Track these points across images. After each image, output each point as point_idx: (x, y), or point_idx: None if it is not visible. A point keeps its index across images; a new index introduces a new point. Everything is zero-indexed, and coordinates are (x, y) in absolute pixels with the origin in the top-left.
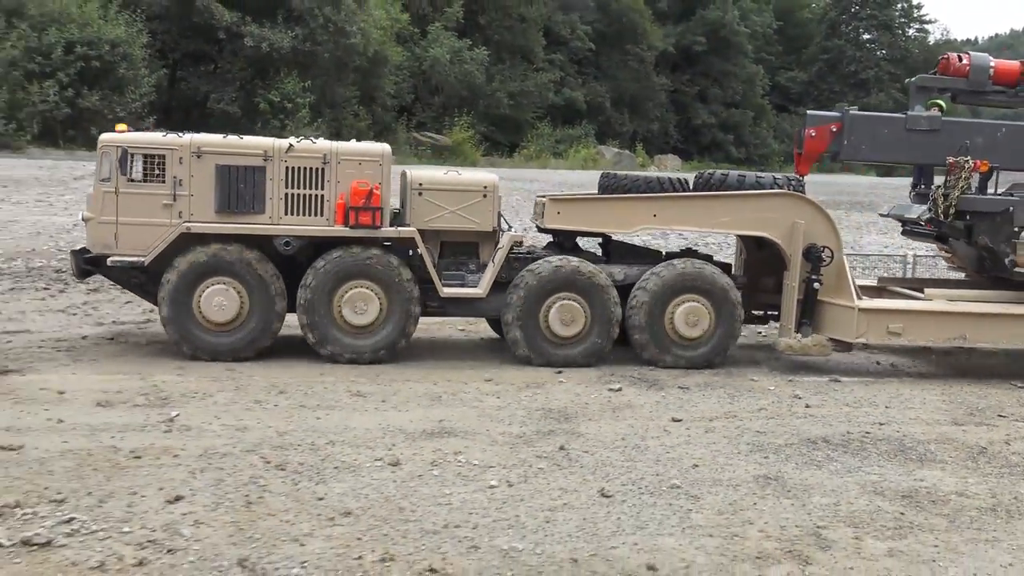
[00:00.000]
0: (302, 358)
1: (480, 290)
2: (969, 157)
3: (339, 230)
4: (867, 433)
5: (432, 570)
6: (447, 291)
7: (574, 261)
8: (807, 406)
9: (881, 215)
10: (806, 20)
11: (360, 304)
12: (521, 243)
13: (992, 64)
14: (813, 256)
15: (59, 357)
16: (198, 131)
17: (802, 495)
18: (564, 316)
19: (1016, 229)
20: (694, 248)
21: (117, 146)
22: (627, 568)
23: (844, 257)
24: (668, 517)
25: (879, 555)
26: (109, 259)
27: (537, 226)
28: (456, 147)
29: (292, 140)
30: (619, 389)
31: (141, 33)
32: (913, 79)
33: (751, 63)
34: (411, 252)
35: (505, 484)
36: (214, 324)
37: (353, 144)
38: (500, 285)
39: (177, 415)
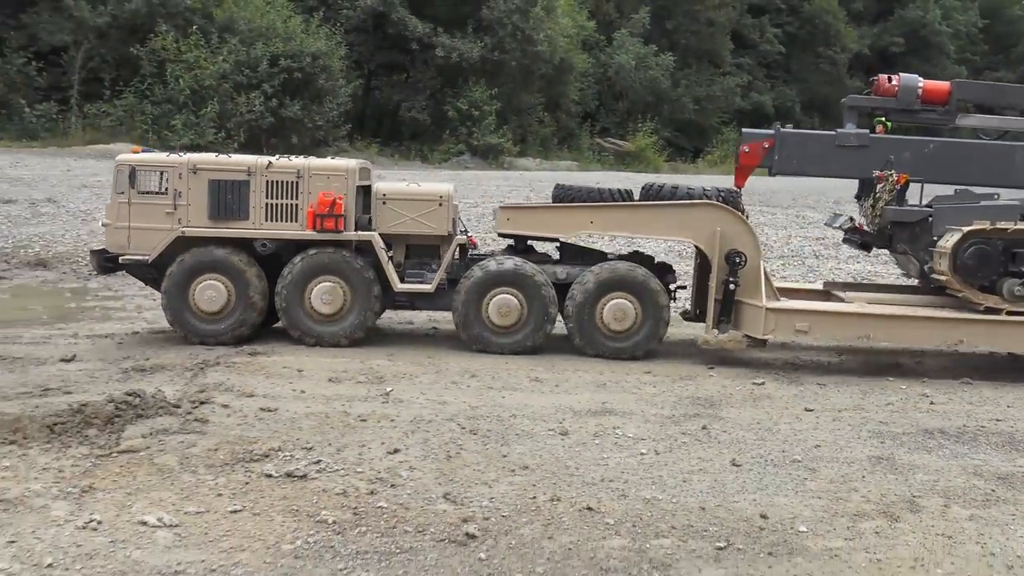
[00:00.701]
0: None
1: (429, 286)
2: (893, 171)
3: (309, 234)
4: (982, 427)
5: (589, 508)
6: (400, 286)
7: (512, 261)
8: (932, 403)
9: (825, 224)
10: (1016, 17)
11: (326, 296)
12: (474, 245)
13: (921, 85)
14: (730, 260)
15: (294, 344)
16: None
17: (907, 472)
18: (502, 308)
19: (935, 238)
20: (641, 251)
21: (129, 165)
22: (744, 515)
23: (761, 262)
24: (786, 483)
25: (961, 519)
26: (121, 257)
27: (499, 232)
28: (639, 153)
29: (272, 158)
30: (762, 383)
31: (340, 46)
32: (844, 99)
33: (953, 64)
34: (389, 254)
35: (653, 452)
36: (205, 313)
37: (323, 160)
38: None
39: (391, 391)
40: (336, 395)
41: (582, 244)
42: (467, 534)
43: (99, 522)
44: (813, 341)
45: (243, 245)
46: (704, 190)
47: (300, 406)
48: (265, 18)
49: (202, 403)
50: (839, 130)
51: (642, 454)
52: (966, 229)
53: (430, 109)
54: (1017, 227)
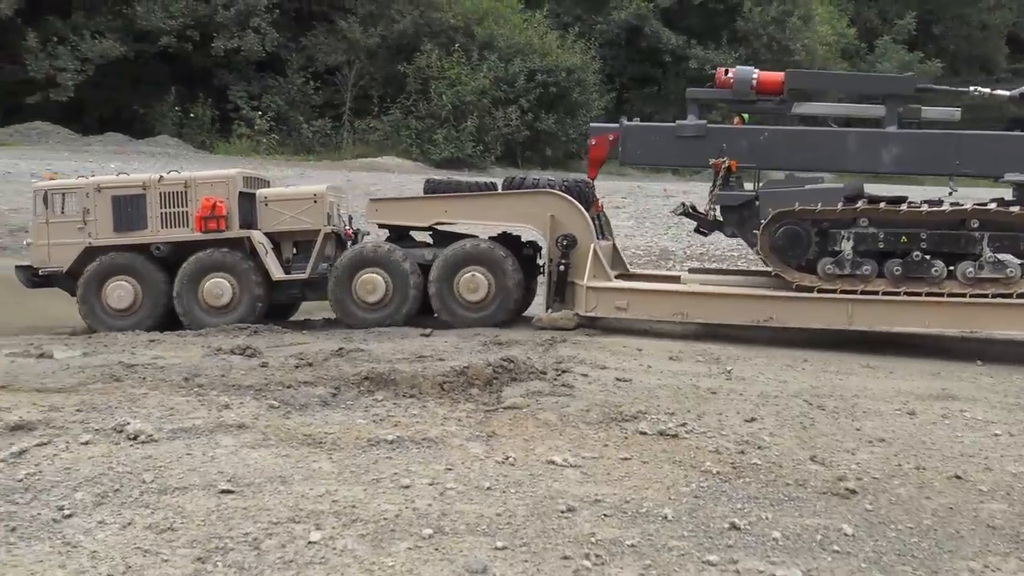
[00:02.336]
0: (818, 344)
1: (304, 274)
2: (725, 158)
3: (196, 235)
4: None
5: (958, 477)
6: (277, 276)
7: (373, 244)
8: None
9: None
10: None
11: (217, 290)
12: (350, 237)
13: (755, 76)
14: (560, 243)
15: (632, 327)
16: None
17: None
18: (367, 287)
19: (761, 221)
20: (509, 234)
21: (42, 190)
22: None
23: (592, 245)
24: None
25: None
26: (40, 270)
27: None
28: None
29: (163, 173)
30: None
31: (594, 60)
32: (688, 91)
33: None
34: (267, 248)
35: (1007, 434)
36: (115, 311)
37: (207, 172)
38: None
39: (731, 369)
40: (681, 371)
41: (451, 230)
42: (847, 489)
43: (514, 459)
44: (631, 317)
45: (144, 250)
46: (550, 181)
47: (651, 379)
48: (523, 35)
49: (564, 372)
50: (678, 121)
51: (996, 435)
52: (773, 211)
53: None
54: (823, 208)
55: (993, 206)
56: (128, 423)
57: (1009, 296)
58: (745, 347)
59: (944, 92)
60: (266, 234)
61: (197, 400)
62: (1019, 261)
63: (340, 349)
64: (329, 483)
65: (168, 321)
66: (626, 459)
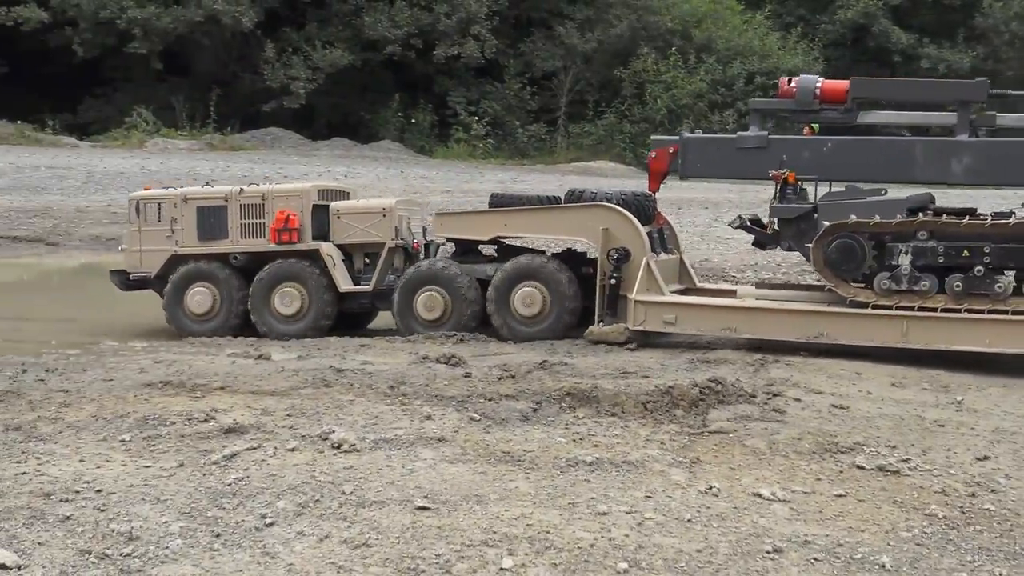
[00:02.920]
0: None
1: (368, 287)
2: (785, 170)
3: (271, 247)
4: None
5: None
6: (344, 288)
7: (436, 262)
8: None
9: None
10: None
11: (287, 299)
12: (416, 250)
13: (819, 84)
14: (612, 256)
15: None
16: None
17: None
18: (427, 304)
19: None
20: (574, 249)
21: (135, 200)
22: None
23: (646, 258)
24: None
25: None
26: (131, 274)
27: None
28: None
29: (243, 186)
30: None
31: (817, 61)
32: (749, 102)
33: None
34: (342, 260)
35: None
36: (195, 315)
37: (283, 185)
38: None
39: (962, 399)
40: (904, 399)
41: (519, 244)
42: None
43: (718, 489)
44: (679, 331)
45: (224, 259)
46: (607, 194)
47: (871, 406)
48: (743, 37)
49: (775, 395)
50: (740, 133)
51: None
52: (827, 224)
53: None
54: (879, 221)
55: None
56: (333, 431)
57: None
58: (979, 375)
59: (1019, 98)
60: (338, 246)
61: (400, 409)
62: None
63: (544, 362)
64: (525, 505)
65: (244, 326)
66: (840, 496)
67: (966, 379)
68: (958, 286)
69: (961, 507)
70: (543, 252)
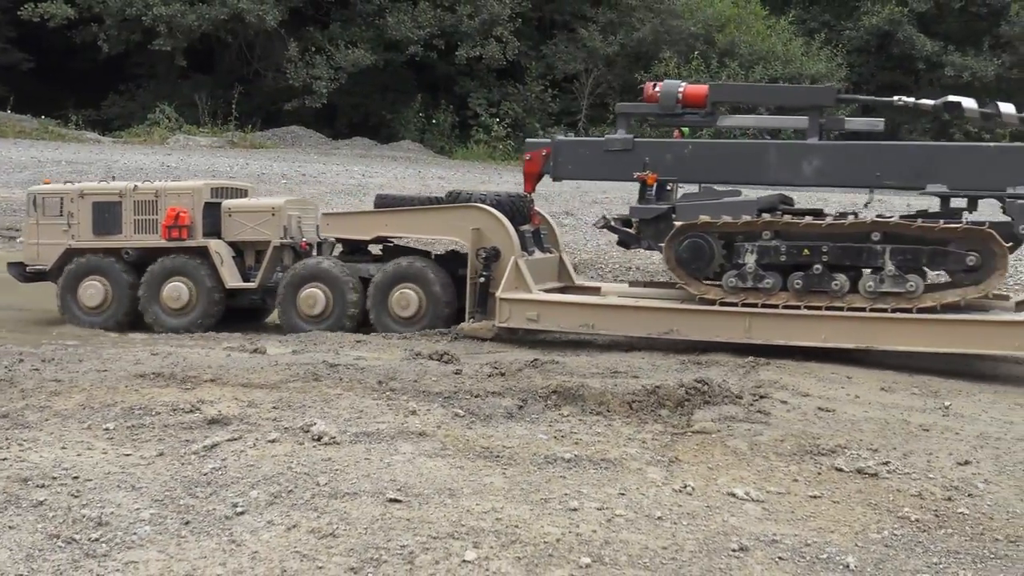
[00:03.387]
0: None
1: (255, 283)
2: (648, 171)
3: (162, 242)
4: None
5: None
6: (230, 283)
7: (320, 261)
8: None
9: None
10: None
11: (175, 293)
12: (304, 249)
13: (681, 89)
14: (480, 255)
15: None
16: None
17: None
18: (309, 300)
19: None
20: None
21: (33, 194)
22: None
23: (515, 257)
24: None
25: None
26: (28, 268)
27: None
28: None
29: (137, 183)
30: None
31: (840, 67)
32: (616, 106)
33: None
34: (232, 258)
35: None
36: (88, 308)
37: (177, 183)
38: None
39: (949, 404)
40: (892, 403)
41: (404, 244)
42: None
43: (692, 488)
44: (542, 327)
45: (116, 254)
46: (483, 196)
47: (857, 410)
48: (766, 42)
49: (761, 397)
50: (607, 136)
51: None
52: (678, 224)
53: (932, 133)
54: (725, 221)
55: (895, 219)
56: (315, 424)
57: (909, 311)
58: (969, 381)
59: (869, 102)
60: (230, 243)
61: (386, 404)
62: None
63: (535, 360)
64: (497, 499)
65: (136, 320)
66: (815, 497)
67: (957, 384)
68: (798, 284)
69: (935, 510)
70: (427, 253)
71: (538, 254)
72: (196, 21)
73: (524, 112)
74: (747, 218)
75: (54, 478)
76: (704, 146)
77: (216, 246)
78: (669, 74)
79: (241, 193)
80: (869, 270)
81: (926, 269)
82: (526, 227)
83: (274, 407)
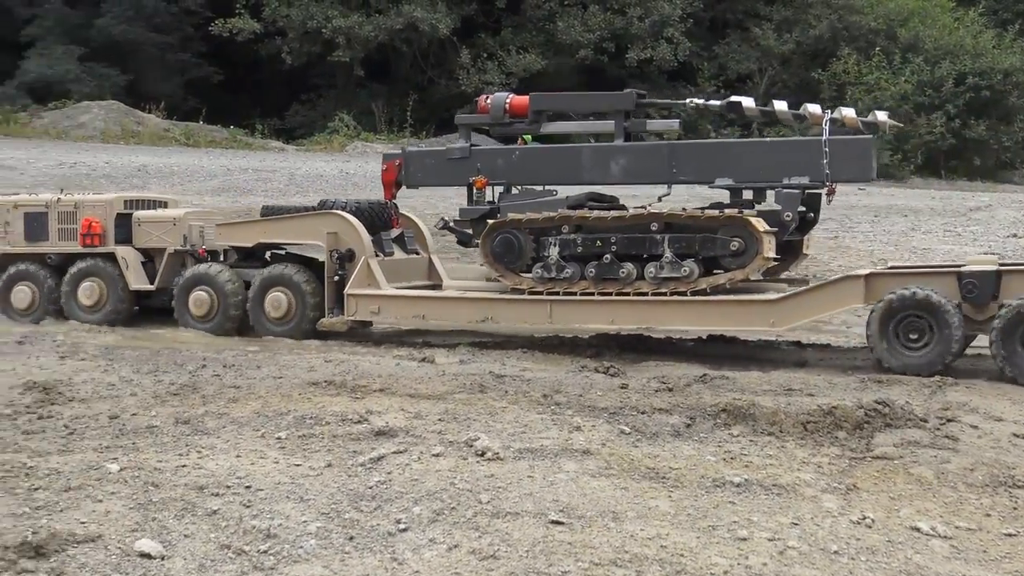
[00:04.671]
0: None
1: (152, 286)
2: (480, 176)
3: (79, 248)
4: None
5: None
6: (133, 285)
7: (209, 267)
8: None
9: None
10: None
11: (88, 292)
12: (202, 255)
13: (508, 100)
14: (334, 256)
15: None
16: None
17: None
18: (197, 301)
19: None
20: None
21: None
22: None
23: (367, 258)
24: None
25: None
26: None
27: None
28: None
29: (60, 196)
30: None
31: None
32: (456, 117)
33: None
34: (140, 262)
35: None
36: (19, 310)
37: (91, 196)
38: None
39: None
40: None
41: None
42: None
43: (872, 520)
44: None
45: (42, 259)
46: (343, 203)
47: None
48: (953, 35)
49: (949, 420)
50: (448, 146)
51: None
52: (490, 222)
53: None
54: (529, 217)
55: (667, 209)
56: (479, 438)
57: (684, 294)
58: None
59: (664, 105)
60: (140, 249)
61: (551, 419)
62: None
63: (704, 376)
64: (662, 525)
65: (59, 317)
66: (1011, 535)
67: None
68: (591, 272)
69: None
70: (304, 259)
71: (400, 255)
72: (372, 31)
73: (696, 113)
74: (548, 214)
75: (228, 487)
76: (529, 151)
77: (123, 252)
78: (848, 72)
79: (160, 205)
80: (651, 258)
81: (700, 255)
82: (392, 231)
83: (439, 419)
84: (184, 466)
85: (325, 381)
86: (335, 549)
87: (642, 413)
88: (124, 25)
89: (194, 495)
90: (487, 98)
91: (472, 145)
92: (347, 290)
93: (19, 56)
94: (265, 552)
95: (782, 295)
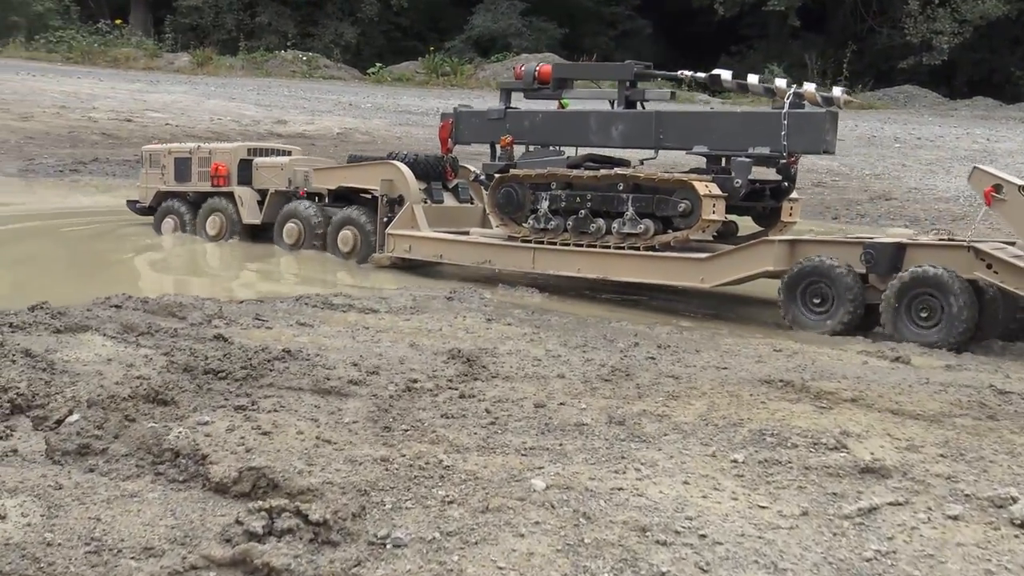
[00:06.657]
0: None
1: (257, 220)
2: (506, 135)
3: (209, 188)
4: None
5: None
6: (246, 219)
7: (296, 204)
8: None
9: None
10: None
11: (213, 221)
12: (302, 195)
13: (536, 68)
14: (384, 200)
15: None
16: None
17: None
18: (288, 232)
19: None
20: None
21: (145, 152)
22: None
23: (410, 202)
24: None
25: None
26: (138, 204)
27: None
28: None
29: (201, 144)
30: None
31: None
32: (498, 83)
33: None
34: (256, 200)
35: None
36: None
37: (223, 144)
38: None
39: None
40: None
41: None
42: None
43: None
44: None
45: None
46: (403, 155)
47: None
48: None
49: None
50: (489, 107)
51: None
52: (496, 176)
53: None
54: (525, 173)
55: (631, 171)
56: (1010, 496)
57: (637, 249)
58: None
59: (662, 76)
60: (257, 190)
61: None
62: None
63: None
64: None
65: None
66: None
67: None
68: (569, 225)
69: None
70: (373, 202)
71: (452, 203)
72: None
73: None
74: (539, 171)
75: (677, 532)
76: (547, 115)
77: (240, 191)
78: None
79: (283, 154)
80: (618, 215)
81: (656, 214)
82: (449, 182)
83: (941, 455)
84: (621, 489)
85: (780, 380)
86: None
87: None
88: None
89: (635, 539)
90: (522, 66)
91: (508, 108)
92: (388, 230)
93: (468, 12)
94: None
95: (710, 254)
